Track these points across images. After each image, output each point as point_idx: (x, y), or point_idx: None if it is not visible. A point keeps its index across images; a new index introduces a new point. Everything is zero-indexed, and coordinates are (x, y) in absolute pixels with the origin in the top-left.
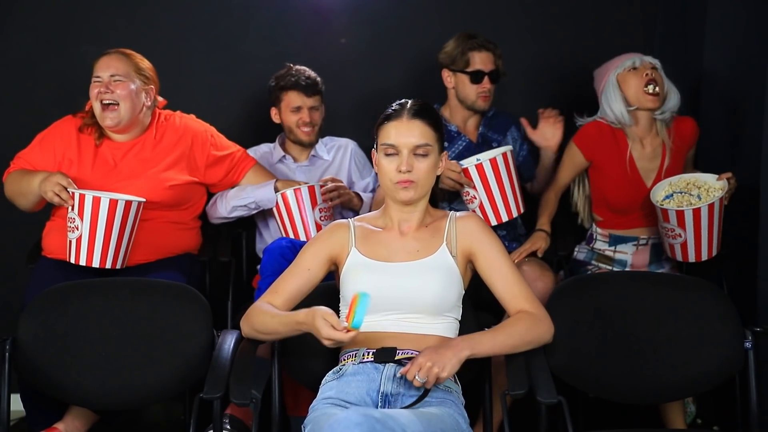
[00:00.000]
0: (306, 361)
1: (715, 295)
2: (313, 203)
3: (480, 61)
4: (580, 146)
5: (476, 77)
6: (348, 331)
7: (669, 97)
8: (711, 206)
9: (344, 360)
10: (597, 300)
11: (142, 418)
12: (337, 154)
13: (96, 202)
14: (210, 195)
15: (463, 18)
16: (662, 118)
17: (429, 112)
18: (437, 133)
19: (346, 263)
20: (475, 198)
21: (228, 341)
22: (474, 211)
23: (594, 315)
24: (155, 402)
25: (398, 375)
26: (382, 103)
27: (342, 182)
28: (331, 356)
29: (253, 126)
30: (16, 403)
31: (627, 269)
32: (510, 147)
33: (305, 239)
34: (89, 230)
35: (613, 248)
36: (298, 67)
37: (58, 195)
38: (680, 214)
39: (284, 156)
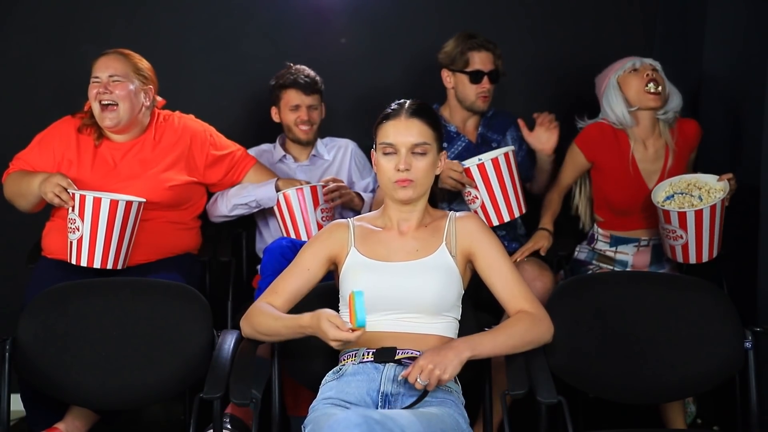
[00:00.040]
0: (306, 361)
1: (715, 295)
2: (315, 203)
3: (479, 61)
4: (581, 147)
5: (475, 77)
6: (353, 330)
7: (671, 98)
8: (713, 208)
9: (344, 360)
10: (597, 300)
11: (142, 418)
12: (338, 154)
13: (97, 202)
14: (210, 194)
15: (464, 18)
16: (665, 118)
17: (427, 111)
18: (435, 133)
19: (345, 263)
20: (477, 198)
21: (228, 341)
22: (476, 211)
23: (594, 315)
24: (155, 402)
25: (400, 378)
26: (382, 102)
27: (343, 182)
28: (331, 356)
29: (254, 126)
30: (16, 403)
31: (628, 269)
32: (512, 147)
33: (306, 239)
34: (90, 231)
35: (614, 249)
36: (298, 66)
37: (58, 196)
38: (682, 216)
39: (285, 155)
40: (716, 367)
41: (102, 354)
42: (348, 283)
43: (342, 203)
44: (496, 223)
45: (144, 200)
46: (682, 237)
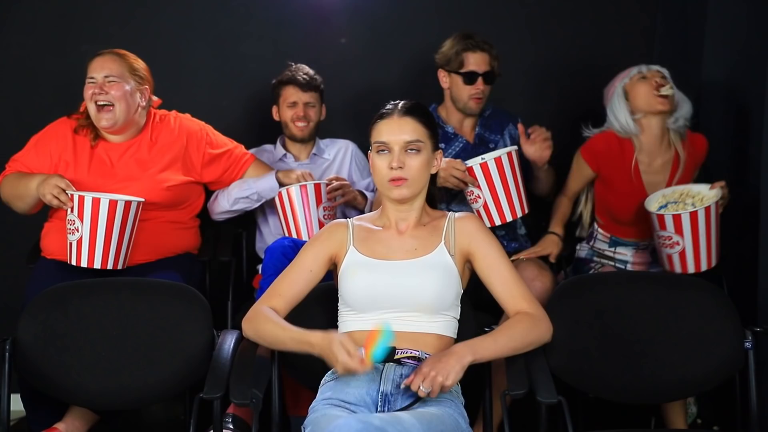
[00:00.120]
0: (306, 361)
1: (715, 295)
2: (318, 201)
3: (474, 62)
4: (586, 159)
5: (470, 78)
6: (364, 362)
7: (680, 105)
8: (707, 210)
9: None
10: (597, 300)
11: (142, 418)
12: (338, 154)
13: (95, 203)
14: (208, 193)
15: (464, 18)
16: (676, 127)
17: (420, 110)
18: (429, 131)
19: (344, 262)
20: (480, 197)
21: (228, 341)
22: (478, 210)
23: (594, 315)
24: (155, 402)
25: (402, 386)
26: (382, 102)
27: (346, 180)
28: None
29: (254, 126)
30: (16, 403)
31: (628, 267)
32: (515, 147)
33: (307, 237)
34: (89, 232)
35: (612, 249)
36: (299, 65)
37: (57, 197)
38: (677, 219)
39: (285, 154)
40: (716, 367)
41: (102, 354)
42: (346, 282)
43: (345, 201)
44: (498, 222)
45: (143, 200)
46: (678, 243)
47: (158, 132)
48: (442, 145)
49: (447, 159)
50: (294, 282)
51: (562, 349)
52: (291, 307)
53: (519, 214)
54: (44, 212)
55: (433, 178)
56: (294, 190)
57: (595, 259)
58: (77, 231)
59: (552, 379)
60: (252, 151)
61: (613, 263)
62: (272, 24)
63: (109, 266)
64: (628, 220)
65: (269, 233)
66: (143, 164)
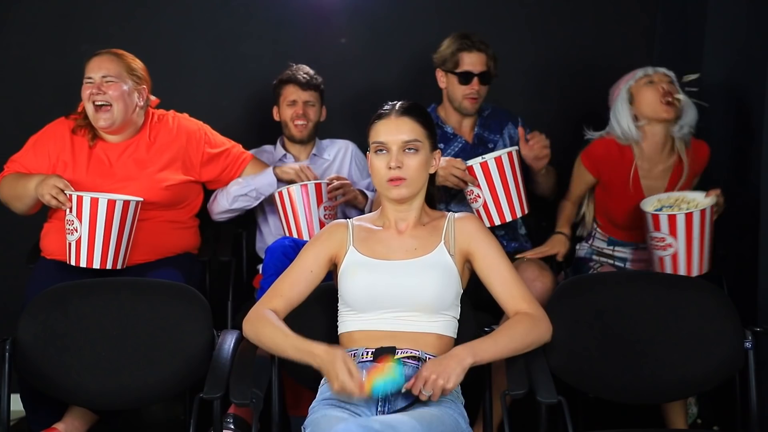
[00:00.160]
0: None
1: (715, 295)
2: (319, 201)
3: (469, 62)
4: (586, 165)
5: (465, 78)
6: (362, 388)
7: (685, 111)
8: (703, 213)
9: None
10: (597, 300)
11: (142, 418)
12: (338, 154)
13: (94, 203)
14: (207, 192)
15: (464, 18)
16: (681, 135)
17: (418, 109)
18: (427, 131)
19: (344, 262)
20: (479, 197)
21: (228, 341)
22: (477, 210)
23: (594, 315)
24: (155, 402)
25: (403, 390)
26: (382, 102)
27: (347, 180)
28: None
29: (254, 126)
30: (16, 403)
31: (627, 264)
32: (516, 148)
33: (308, 237)
34: (88, 232)
35: (611, 248)
36: (299, 65)
37: (55, 198)
38: (672, 220)
39: (285, 155)
40: (716, 367)
41: (102, 354)
42: (346, 282)
43: (345, 201)
44: (497, 222)
45: (141, 199)
46: (671, 246)
47: (156, 131)
48: (441, 146)
49: (447, 158)
50: (295, 283)
51: (562, 349)
52: (291, 308)
53: (519, 214)
54: (44, 212)
55: (432, 178)
56: (295, 189)
57: (594, 257)
58: (76, 231)
59: (552, 379)
60: (252, 151)
61: (612, 261)
62: (272, 24)
63: (108, 266)
64: (627, 224)
65: (269, 233)
66: (142, 164)
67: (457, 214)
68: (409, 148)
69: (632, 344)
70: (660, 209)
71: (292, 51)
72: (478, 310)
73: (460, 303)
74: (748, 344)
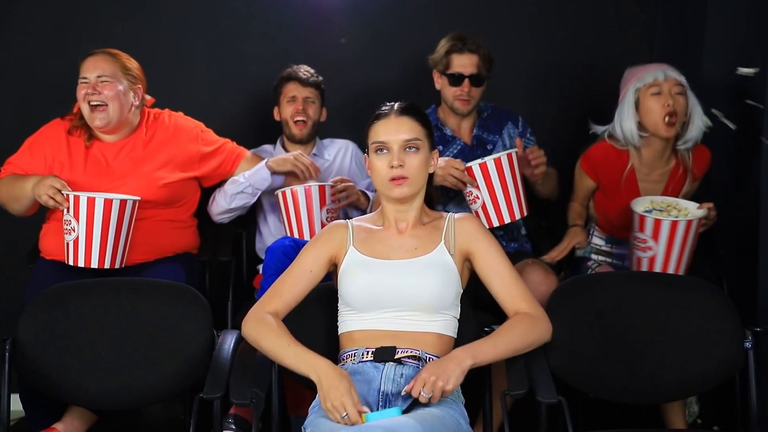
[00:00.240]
0: None
1: (715, 295)
2: (322, 203)
3: (459, 63)
4: (586, 170)
5: (455, 80)
6: (359, 416)
7: (692, 123)
8: (689, 224)
9: (343, 360)
10: (597, 300)
11: (142, 418)
12: (338, 154)
13: (91, 202)
14: (204, 192)
15: (464, 18)
16: (685, 148)
17: (416, 109)
18: (426, 130)
19: (344, 262)
20: (478, 198)
21: (228, 341)
22: (476, 211)
23: (594, 315)
24: (155, 402)
25: (403, 393)
26: (382, 102)
27: (351, 182)
28: (330, 357)
29: (254, 126)
30: (16, 403)
31: (625, 262)
32: (516, 149)
33: (308, 238)
34: (86, 231)
35: (609, 246)
36: (300, 65)
37: (52, 198)
38: (657, 224)
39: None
40: (716, 367)
41: (102, 354)
42: (347, 282)
43: (348, 203)
44: (496, 224)
45: (138, 198)
46: (651, 249)
47: (153, 130)
48: (440, 147)
49: (446, 158)
50: (294, 283)
51: (562, 349)
52: (291, 308)
53: (518, 216)
54: (44, 213)
55: (430, 178)
56: (299, 191)
57: (593, 257)
58: (74, 231)
59: (552, 379)
60: (251, 151)
61: (610, 260)
62: (272, 24)
63: (107, 265)
64: (624, 225)
65: (269, 233)
66: (138, 162)
67: (456, 215)
68: (410, 147)
69: (632, 344)
70: (650, 211)
71: (292, 51)
72: (478, 309)
73: (460, 303)
74: (748, 344)
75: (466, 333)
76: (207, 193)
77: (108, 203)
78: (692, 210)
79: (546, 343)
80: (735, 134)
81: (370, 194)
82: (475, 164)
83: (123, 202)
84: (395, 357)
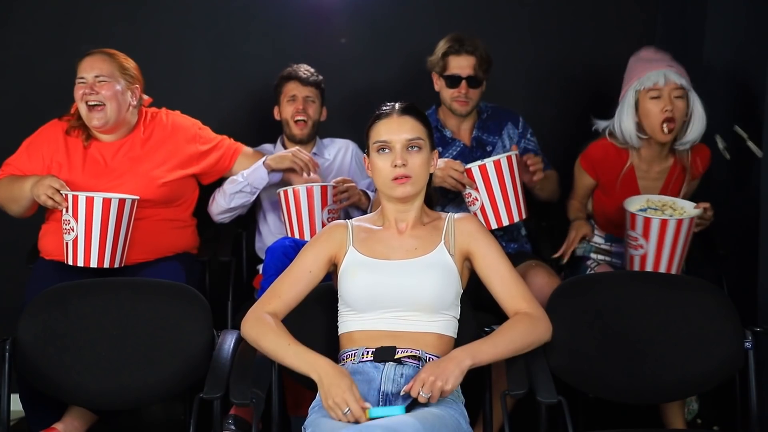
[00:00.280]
0: None
1: (715, 295)
2: (324, 203)
3: (456, 65)
4: (585, 168)
5: (452, 81)
6: (363, 413)
7: (691, 125)
8: (679, 223)
9: (343, 360)
10: (597, 300)
11: (142, 418)
12: (338, 154)
13: (89, 202)
14: (203, 190)
15: (464, 18)
16: (683, 149)
17: (417, 109)
18: (427, 130)
19: (344, 262)
20: (477, 200)
21: (228, 341)
22: (475, 213)
23: (594, 315)
24: (155, 402)
25: (402, 393)
26: (382, 102)
27: (353, 182)
28: (330, 356)
29: (254, 126)
30: (17, 403)
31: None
32: (516, 152)
33: (309, 238)
34: (85, 231)
35: (609, 244)
36: (300, 64)
37: (51, 198)
38: (647, 222)
39: None
40: (716, 367)
41: (102, 354)
42: (346, 282)
43: (350, 204)
44: (494, 226)
45: (137, 197)
46: (642, 247)
47: (150, 129)
48: (439, 149)
49: (445, 159)
50: (294, 283)
51: (562, 349)
52: (290, 309)
53: (516, 219)
54: (44, 213)
55: (430, 179)
56: (301, 190)
57: (592, 256)
58: (73, 230)
59: (552, 379)
60: (252, 150)
61: (609, 259)
62: (272, 24)
63: (106, 264)
64: (623, 223)
65: (269, 232)
66: (137, 161)
67: (456, 215)
68: (413, 146)
69: (632, 344)
70: (645, 209)
71: (292, 51)
72: (479, 309)
73: (460, 303)
74: (748, 344)
75: (466, 333)
76: (206, 192)
77: (107, 202)
78: (688, 209)
79: (546, 343)
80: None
81: (371, 194)
82: (474, 166)
83: (122, 201)
84: (395, 357)
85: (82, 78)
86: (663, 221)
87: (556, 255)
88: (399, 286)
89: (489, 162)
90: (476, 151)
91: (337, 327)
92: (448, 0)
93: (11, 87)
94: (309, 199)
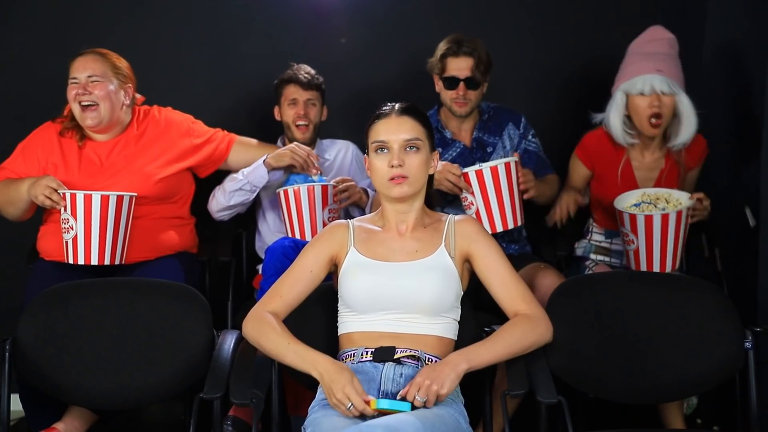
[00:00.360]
0: None
1: (715, 295)
2: (324, 203)
3: (455, 67)
4: (581, 157)
5: (451, 83)
6: (369, 404)
7: (682, 127)
8: (665, 217)
9: (343, 360)
10: (597, 300)
11: (142, 418)
12: (338, 154)
13: (87, 199)
14: (200, 187)
15: (464, 18)
16: (675, 149)
17: (417, 109)
18: (427, 131)
19: (344, 263)
20: (473, 204)
21: (228, 341)
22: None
23: (594, 315)
24: (155, 402)
25: (398, 397)
26: (382, 102)
27: (353, 181)
28: (330, 356)
29: (254, 126)
30: (17, 403)
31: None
32: (515, 159)
33: (309, 238)
34: (84, 228)
35: (609, 240)
36: (300, 65)
37: (49, 198)
38: (632, 219)
39: None
40: (716, 367)
41: (102, 354)
42: (347, 283)
43: (351, 203)
44: (488, 231)
45: (135, 194)
46: (633, 242)
47: (144, 126)
48: (440, 150)
49: (443, 162)
50: (295, 283)
51: (562, 349)
52: (291, 309)
53: (510, 226)
54: (42, 214)
55: (430, 180)
56: (301, 190)
57: (591, 256)
58: (72, 229)
59: (552, 379)
60: None
61: (608, 259)
62: (272, 24)
63: (107, 261)
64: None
65: (268, 231)
66: (132, 159)
67: (457, 216)
68: (411, 147)
69: (632, 344)
70: (639, 204)
71: (292, 51)
72: (480, 310)
73: (461, 304)
74: (748, 344)
75: (466, 335)
76: (203, 190)
77: (105, 199)
78: (683, 200)
79: (547, 343)
80: (735, 134)
81: (371, 192)
82: (471, 170)
83: (120, 198)
84: (394, 357)
85: (74, 78)
86: (647, 217)
87: (550, 222)
88: (399, 288)
89: (486, 167)
90: (476, 151)
91: (337, 328)
92: (448, 0)
93: (11, 87)
94: (309, 198)
